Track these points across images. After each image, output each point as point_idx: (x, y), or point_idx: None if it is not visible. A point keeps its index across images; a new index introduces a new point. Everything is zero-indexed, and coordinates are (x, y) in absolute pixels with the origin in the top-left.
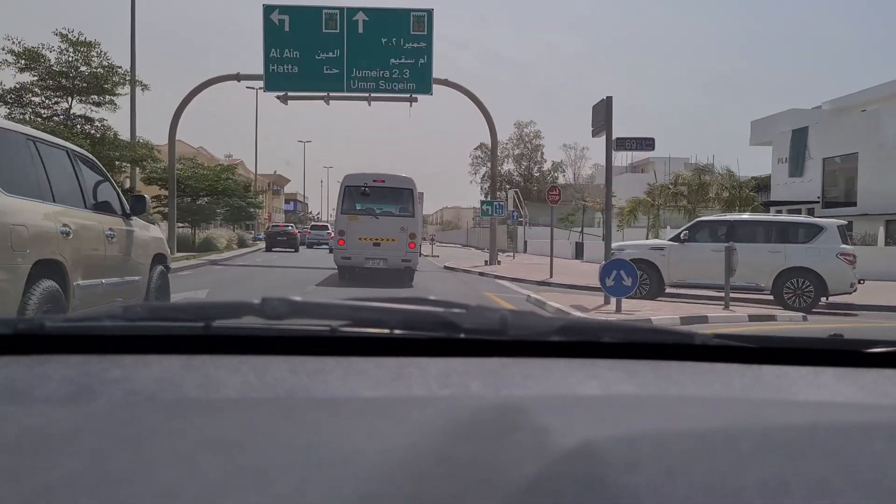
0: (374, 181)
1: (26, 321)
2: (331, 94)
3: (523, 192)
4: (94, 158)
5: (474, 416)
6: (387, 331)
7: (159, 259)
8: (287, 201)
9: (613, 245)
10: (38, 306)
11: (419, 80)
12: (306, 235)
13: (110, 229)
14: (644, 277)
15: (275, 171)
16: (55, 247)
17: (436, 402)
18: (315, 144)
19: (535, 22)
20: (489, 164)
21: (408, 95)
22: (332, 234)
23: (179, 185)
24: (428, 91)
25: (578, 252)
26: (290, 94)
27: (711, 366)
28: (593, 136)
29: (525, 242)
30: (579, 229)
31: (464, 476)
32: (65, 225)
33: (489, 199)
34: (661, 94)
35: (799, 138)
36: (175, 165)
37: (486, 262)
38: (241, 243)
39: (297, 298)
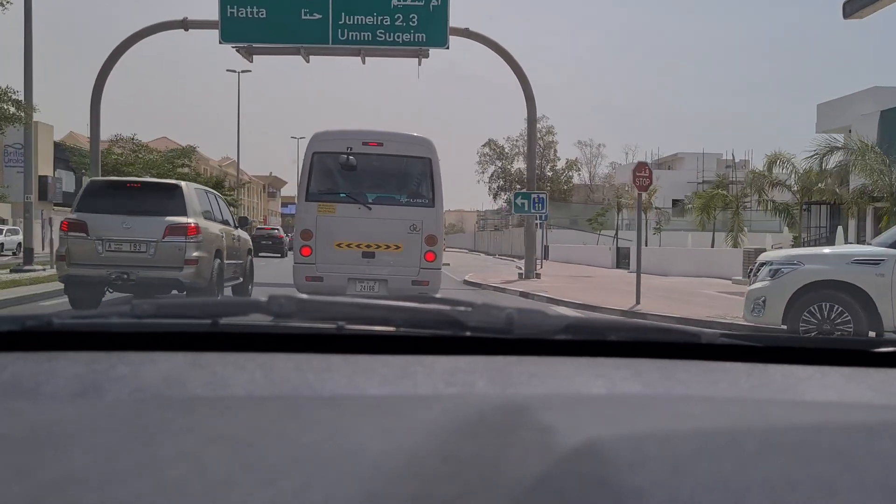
0: (366, 144)
1: (34, 318)
2: (311, 46)
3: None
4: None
5: (480, 414)
6: (393, 329)
7: (249, 252)
8: (285, 204)
9: (767, 256)
10: (217, 272)
11: (431, 28)
12: (293, 240)
13: (233, 235)
14: (844, 315)
15: (270, 173)
16: (219, 243)
17: (441, 400)
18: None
19: (536, 21)
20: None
21: (416, 49)
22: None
23: (118, 174)
24: (443, 43)
25: (620, 259)
26: (255, 46)
27: (718, 365)
28: (846, 17)
29: (546, 247)
30: (612, 232)
31: (469, 474)
32: (221, 232)
33: (524, 191)
34: (677, 93)
35: (891, 120)
36: (99, 145)
37: (519, 274)
38: None
39: (304, 296)
